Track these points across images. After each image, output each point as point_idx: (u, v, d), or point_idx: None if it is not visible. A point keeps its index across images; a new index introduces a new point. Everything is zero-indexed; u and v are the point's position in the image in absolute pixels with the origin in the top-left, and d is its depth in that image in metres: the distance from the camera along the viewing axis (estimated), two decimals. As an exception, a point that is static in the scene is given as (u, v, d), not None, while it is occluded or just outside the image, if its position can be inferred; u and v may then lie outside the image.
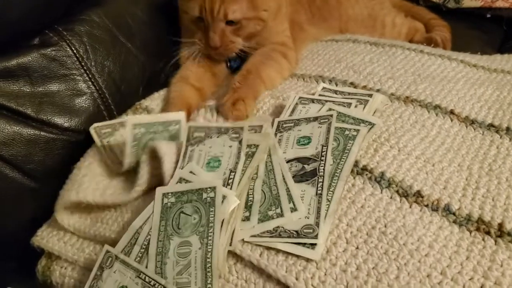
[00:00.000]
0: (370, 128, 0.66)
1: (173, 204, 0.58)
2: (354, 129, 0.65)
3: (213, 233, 0.54)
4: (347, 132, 0.65)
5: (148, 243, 0.56)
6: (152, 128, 0.70)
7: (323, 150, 0.63)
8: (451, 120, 0.71)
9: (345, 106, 0.71)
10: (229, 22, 0.81)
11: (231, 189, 0.59)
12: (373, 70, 0.84)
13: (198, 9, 0.80)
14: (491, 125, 0.71)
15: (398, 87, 0.79)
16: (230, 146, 0.63)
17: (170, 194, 0.58)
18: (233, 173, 0.60)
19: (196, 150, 0.64)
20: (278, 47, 0.87)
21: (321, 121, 0.68)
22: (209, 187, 0.57)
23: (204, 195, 0.57)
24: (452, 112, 0.73)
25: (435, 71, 0.84)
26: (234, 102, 0.74)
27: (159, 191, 0.59)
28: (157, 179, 0.64)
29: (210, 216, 0.55)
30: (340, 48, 0.94)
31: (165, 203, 0.58)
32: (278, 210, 0.57)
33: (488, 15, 1.25)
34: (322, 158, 0.62)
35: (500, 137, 0.68)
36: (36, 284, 0.68)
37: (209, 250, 0.53)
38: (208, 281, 0.52)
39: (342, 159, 0.62)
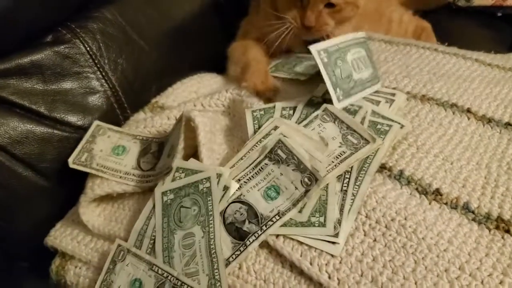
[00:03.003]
0: (401, 128, 0.66)
1: (173, 200, 0.59)
2: (387, 124, 0.65)
3: (213, 221, 0.56)
4: (379, 126, 0.65)
5: (155, 238, 0.58)
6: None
7: None
8: (468, 119, 0.71)
9: (373, 103, 0.70)
10: (328, 5, 0.82)
11: (262, 233, 0.55)
12: (388, 69, 0.83)
13: None
14: (508, 124, 0.70)
15: (414, 86, 0.78)
16: (296, 188, 0.58)
17: (168, 191, 0.60)
18: (277, 217, 0.55)
19: (268, 168, 0.60)
20: None
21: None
22: (204, 178, 0.59)
23: (201, 186, 0.58)
24: (468, 110, 0.72)
25: (450, 69, 0.84)
26: None
27: (158, 190, 0.61)
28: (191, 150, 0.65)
29: (209, 205, 0.57)
30: (354, 47, 0.93)
31: (165, 201, 0.60)
32: (322, 219, 0.55)
33: (499, 14, 1.24)
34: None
35: (518, 136, 0.68)
36: (49, 284, 0.67)
37: (212, 237, 0.55)
38: (215, 267, 0.53)
39: (371, 154, 0.61)
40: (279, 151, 0.60)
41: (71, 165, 0.68)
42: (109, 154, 0.69)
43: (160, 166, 0.66)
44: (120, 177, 0.67)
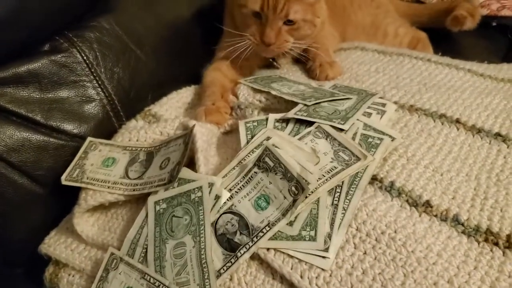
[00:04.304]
0: (392, 141, 0.66)
1: (165, 209, 0.60)
2: (378, 138, 0.65)
3: (204, 230, 0.56)
4: (370, 140, 0.65)
5: (147, 247, 0.58)
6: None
7: None
8: (457, 129, 0.71)
9: (365, 115, 0.70)
10: (287, 22, 0.82)
11: (253, 245, 0.55)
12: (377, 80, 0.84)
13: (259, 4, 0.80)
14: (498, 134, 0.70)
15: (401, 96, 0.78)
16: (285, 198, 0.57)
17: (161, 201, 0.61)
18: (268, 228, 0.55)
19: (257, 177, 0.60)
20: None
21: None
22: (196, 188, 0.59)
23: (192, 196, 0.59)
24: (458, 121, 0.72)
25: (442, 80, 0.84)
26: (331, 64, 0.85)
27: (151, 200, 0.61)
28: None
29: (200, 214, 0.57)
30: (347, 58, 0.94)
31: (157, 210, 0.60)
32: (312, 233, 0.55)
33: (494, 24, 1.25)
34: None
35: (508, 147, 0.68)
36: (43, 291, 0.68)
37: (202, 247, 0.55)
38: (206, 277, 0.53)
39: (362, 168, 0.61)
40: (267, 159, 0.60)
41: (64, 182, 0.68)
42: (99, 167, 0.70)
43: (149, 176, 0.67)
44: (108, 187, 0.67)
